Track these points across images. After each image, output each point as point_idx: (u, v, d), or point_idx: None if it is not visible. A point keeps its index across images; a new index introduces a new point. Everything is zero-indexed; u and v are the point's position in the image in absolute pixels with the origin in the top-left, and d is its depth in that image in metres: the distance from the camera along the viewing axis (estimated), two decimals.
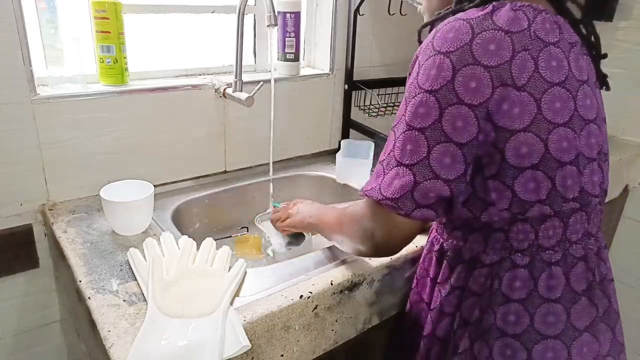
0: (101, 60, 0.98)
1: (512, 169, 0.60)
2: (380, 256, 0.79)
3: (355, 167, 1.16)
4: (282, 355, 0.75)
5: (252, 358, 0.70)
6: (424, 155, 0.59)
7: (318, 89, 1.31)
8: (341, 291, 0.79)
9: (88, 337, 0.76)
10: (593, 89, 0.65)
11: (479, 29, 0.57)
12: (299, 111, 1.28)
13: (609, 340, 0.69)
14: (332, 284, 0.78)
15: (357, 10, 1.24)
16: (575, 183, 0.62)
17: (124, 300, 0.71)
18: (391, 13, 1.32)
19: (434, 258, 0.76)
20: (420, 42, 0.66)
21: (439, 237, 0.75)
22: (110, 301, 0.70)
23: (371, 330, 0.89)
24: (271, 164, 1.08)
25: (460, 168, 0.59)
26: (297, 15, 1.20)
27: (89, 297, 0.71)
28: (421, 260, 0.80)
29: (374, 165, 1.26)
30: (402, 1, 1.32)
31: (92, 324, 0.68)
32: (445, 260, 0.73)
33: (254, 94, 1.04)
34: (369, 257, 0.82)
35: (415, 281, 0.82)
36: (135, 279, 0.75)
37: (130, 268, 0.78)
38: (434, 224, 0.78)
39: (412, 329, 0.81)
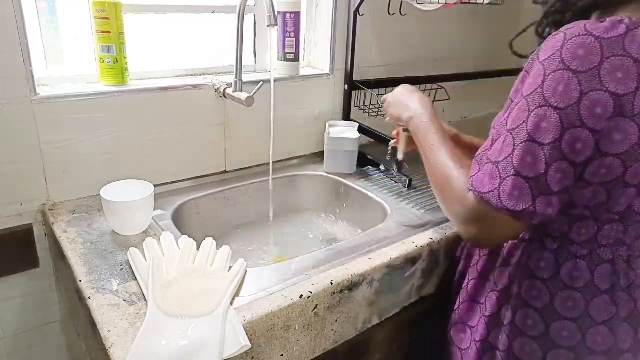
0: (101, 60, 0.98)
1: (582, 182, 0.62)
2: (475, 244, 0.83)
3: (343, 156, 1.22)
4: (282, 355, 0.75)
5: (252, 358, 0.70)
6: (542, 171, 0.60)
7: (318, 89, 1.31)
8: (341, 291, 0.79)
9: (88, 337, 0.76)
10: None
11: (609, 53, 0.56)
12: (299, 111, 1.28)
13: (631, 338, 0.72)
14: (332, 283, 0.78)
15: (357, 10, 1.24)
16: (627, 201, 0.64)
17: (124, 300, 0.71)
18: (391, 13, 1.32)
19: None
20: (538, 34, 0.68)
21: None
22: (111, 301, 0.70)
23: (371, 330, 0.89)
24: (271, 164, 1.08)
25: (569, 183, 0.61)
26: (297, 15, 1.20)
27: (89, 297, 0.71)
28: None
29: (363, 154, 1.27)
30: (402, 1, 1.32)
31: (92, 324, 0.68)
32: None
33: (254, 94, 1.04)
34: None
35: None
36: (136, 279, 0.75)
37: (131, 268, 0.78)
38: None
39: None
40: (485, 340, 0.78)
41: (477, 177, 0.65)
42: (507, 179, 0.61)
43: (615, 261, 0.69)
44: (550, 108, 0.58)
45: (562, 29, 0.60)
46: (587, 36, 0.57)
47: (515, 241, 0.75)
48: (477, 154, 0.69)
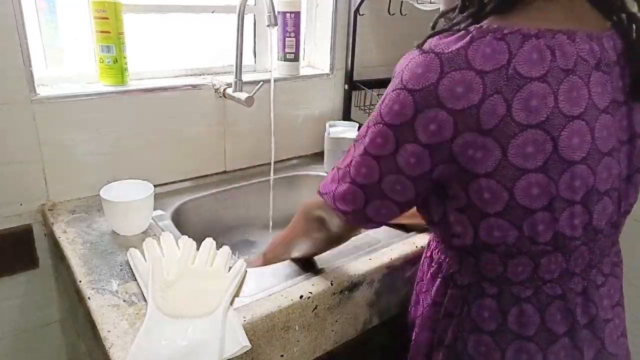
0: (101, 60, 0.98)
1: (476, 211, 0.57)
2: (332, 244, 0.79)
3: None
4: (282, 356, 0.75)
5: (252, 358, 0.70)
6: (376, 180, 0.60)
7: (318, 89, 1.31)
8: (341, 291, 0.79)
9: (88, 337, 0.76)
10: (591, 122, 0.55)
11: (448, 68, 0.52)
12: (299, 111, 1.28)
13: None
14: (332, 284, 0.77)
15: (357, 10, 1.24)
16: (548, 228, 0.56)
17: (123, 301, 0.71)
18: (391, 13, 1.32)
19: (426, 264, 0.76)
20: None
21: (432, 245, 0.75)
22: (110, 301, 0.70)
23: (371, 330, 0.89)
24: (272, 163, 1.08)
25: (410, 195, 0.60)
26: (297, 15, 1.20)
27: (88, 297, 0.71)
28: (421, 261, 0.80)
29: None
30: (402, 1, 1.32)
31: (92, 324, 0.68)
32: (430, 271, 0.73)
33: (254, 94, 1.04)
34: (323, 247, 0.80)
35: (415, 282, 0.81)
36: (135, 279, 0.75)
37: (130, 268, 0.78)
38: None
39: (406, 332, 0.81)
40: None
41: (324, 182, 0.70)
42: (344, 184, 0.64)
43: (567, 296, 0.61)
44: (384, 125, 0.57)
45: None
46: (428, 54, 0.54)
47: (454, 288, 0.66)
48: None
